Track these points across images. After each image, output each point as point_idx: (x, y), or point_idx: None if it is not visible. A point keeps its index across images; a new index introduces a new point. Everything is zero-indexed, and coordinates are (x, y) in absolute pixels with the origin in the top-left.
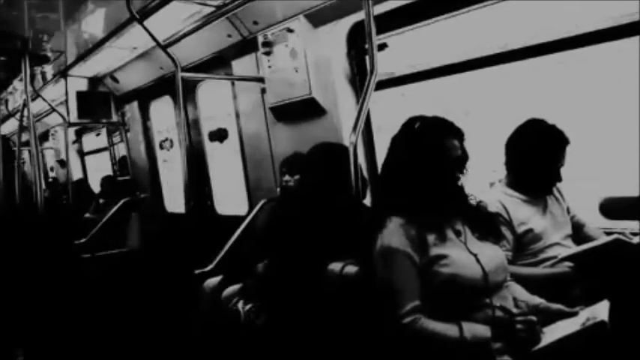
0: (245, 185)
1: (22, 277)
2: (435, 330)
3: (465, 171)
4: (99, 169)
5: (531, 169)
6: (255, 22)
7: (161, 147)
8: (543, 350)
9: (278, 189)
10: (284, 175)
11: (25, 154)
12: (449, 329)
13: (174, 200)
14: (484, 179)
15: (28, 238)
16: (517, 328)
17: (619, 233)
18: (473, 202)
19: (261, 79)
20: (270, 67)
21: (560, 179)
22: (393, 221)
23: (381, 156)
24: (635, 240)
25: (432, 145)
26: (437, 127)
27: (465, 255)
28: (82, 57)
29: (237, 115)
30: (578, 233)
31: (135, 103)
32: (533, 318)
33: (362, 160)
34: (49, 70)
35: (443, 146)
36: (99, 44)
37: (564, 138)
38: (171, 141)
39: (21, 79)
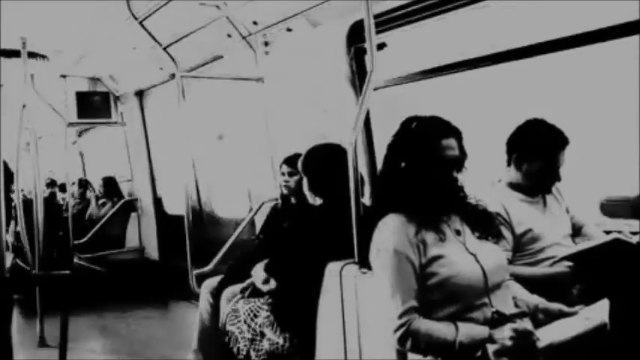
0: (245, 185)
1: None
2: (431, 330)
3: (463, 170)
4: (99, 169)
5: (531, 168)
6: (255, 22)
7: (160, 147)
8: (543, 351)
9: (278, 189)
10: (284, 176)
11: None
12: (445, 330)
13: (174, 201)
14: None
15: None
16: (511, 336)
17: (618, 233)
18: (472, 201)
19: (260, 79)
20: (269, 66)
21: (559, 179)
22: (392, 221)
23: (380, 155)
24: (635, 240)
25: (428, 144)
26: (433, 127)
27: (464, 255)
28: (81, 57)
29: (237, 115)
30: (578, 233)
31: (135, 103)
32: (528, 328)
33: (361, 159)
34: (49, 70)
35: (439, 146)
36: (99, 44)
37: (564, 138)
38: (171, 141)
39: (21, 79)
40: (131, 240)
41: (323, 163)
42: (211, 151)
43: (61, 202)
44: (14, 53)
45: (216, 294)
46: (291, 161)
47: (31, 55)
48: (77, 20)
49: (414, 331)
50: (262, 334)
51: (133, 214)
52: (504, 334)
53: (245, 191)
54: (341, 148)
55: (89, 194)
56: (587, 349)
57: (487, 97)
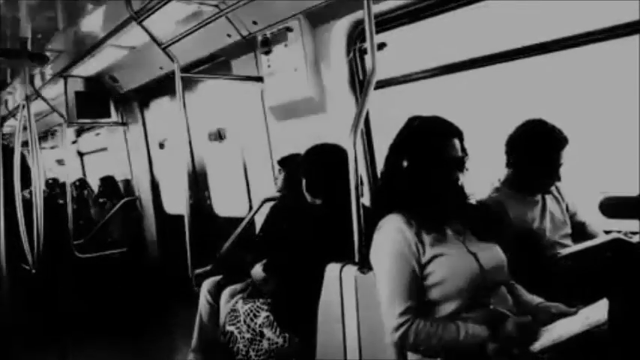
0: (245, 185)
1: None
2: (432, 330)
3: (464, 170)
4: (98, 168)
5: (531, 168)
6: (255, 22)
7: (161, 147)
8: (541, 351)
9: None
10: (279, 175)
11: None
12: (446, 329)
13: (173, 200)
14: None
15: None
16: (513, 329)
17: (618, 232)
18: (473, 201)
19: (260, 79)
20: (269, 66)
21: (559, 179)
22: (392, 221)
23: (380, 156)
24: (635, 239)
25: (430, 145)
26: (435, 127)
27: (464, 254)
28: (81, 57)
29: (237, 115)
30: (578, 232)
31: (135, 103)
32: (528, 318)
33: (361, 159)
34: (48, 70)
35: (441, 146)
36: (98, 44)
37: (563, 138)
38: (171, 141)
39: (21, 79)
40: (130, 240)
41: (319, 164)
42: (211, 150)
43: (61, 201)
44: (14, 53)
45: (216, 294)
46: (281, 162)
47: (31, 55)
48: (77, 20)
49: (414, 330)
50: (262, 334)
51: (133, 214)
52: (508, 328)
53: (245, 191)
54: (338, 149)
55: (87, 194)
56: (586, 348)
57: (487, 97)
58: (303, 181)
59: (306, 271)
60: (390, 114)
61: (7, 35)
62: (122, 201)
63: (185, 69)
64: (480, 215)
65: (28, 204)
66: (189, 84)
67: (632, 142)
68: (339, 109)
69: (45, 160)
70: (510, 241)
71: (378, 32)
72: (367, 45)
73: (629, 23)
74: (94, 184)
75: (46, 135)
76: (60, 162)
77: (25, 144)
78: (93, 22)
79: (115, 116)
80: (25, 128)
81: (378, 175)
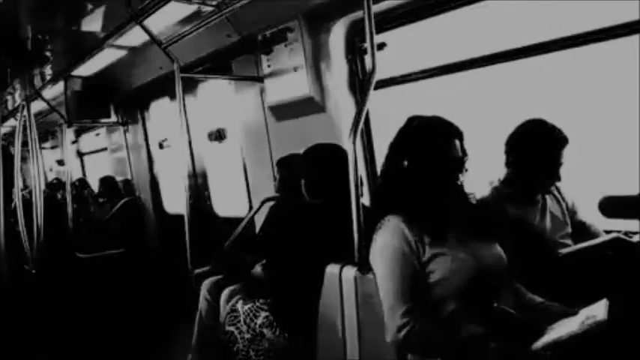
0: (245, 185)
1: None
2: (434, 330)
3: (464, 170)
4: (99, 168)
5: (530, 168)
6: (255, 22)
7: (161, 147)
8: (542, 348)
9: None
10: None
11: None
12: (448, 329)
13: (173, 200)
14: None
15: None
16: (514, 325)
17: (618, 232)
18: (473, 201)
19: (260, 79)
20: (269, 66)
21: (559, 178)
22: (392, 221)
23: (380, 156)
24: (635, 239)
25: (430, 145)
26: (435, 127)
27: (464, 254)
28: (81, 57)
29: (237, 115)
30: (580, 231)
31: (134, 103)
32: (533, 315)
33: (360, 159)
34: (48, 70)
35: (441, 146)
36: (98, 44)
37: (563, 137)
38: (171, 141)
39: (21, 79)
40: (130, 239)
41: (318, 164)
42: (211, 150)
43: (62, 201)
44: (14, 53)
45: (216, 294)
46: (279, 162)
47: (32, 55)
48: (77, 20)
49: (417, 330)
50: (262, 334)
51: (133, 214)
52: (513, 326)
53: (245, 191)
54: (337, 149)
55: (87, 194)
56: (586, 348)
57: (487, 97)
58: (302, 182)
59: (305, 272)
60: (390, 114)
61: (7, 35)
62: (122, 201)
63: (185, 69)
64: (480, 215)
65: (28, 204)
66: (189, 84)
67: (632, 142)
68: (339, 109)
69: (45, 160)
70: (510, 240)
71: (378, 32)
72: (367, 45)
73: (629, 23)
74: (94, 184)
75: (46, 135)
76: (60, 162)
77: (25, 144)
78: (93, 22)
79: (114, 116)
80: (25, 128)
81: (378, 175)
